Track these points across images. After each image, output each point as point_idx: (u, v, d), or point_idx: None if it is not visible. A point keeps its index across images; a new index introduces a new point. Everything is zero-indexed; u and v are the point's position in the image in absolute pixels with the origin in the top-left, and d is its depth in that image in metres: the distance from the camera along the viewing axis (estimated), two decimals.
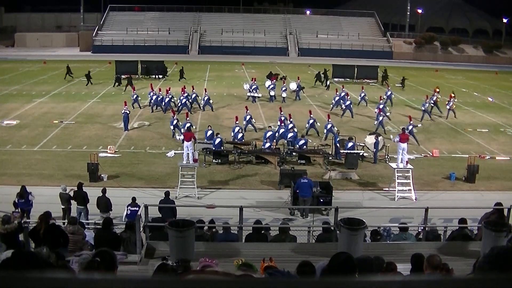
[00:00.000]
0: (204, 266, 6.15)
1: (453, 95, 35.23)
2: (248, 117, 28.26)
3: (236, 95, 39.50)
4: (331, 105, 34.88)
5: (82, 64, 56.19)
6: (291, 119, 26.78)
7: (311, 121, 28.08)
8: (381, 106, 31.60)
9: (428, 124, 31.78)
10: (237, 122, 26.11)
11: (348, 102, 33.26)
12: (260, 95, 37.56)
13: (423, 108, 33.03)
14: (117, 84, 41.90)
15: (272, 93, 37.69)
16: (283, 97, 37.37)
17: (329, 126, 26.35)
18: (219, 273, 3.91)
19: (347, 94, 34.78)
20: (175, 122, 27.02)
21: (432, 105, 33.75)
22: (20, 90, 40.46)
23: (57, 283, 1.25)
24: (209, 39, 75.05)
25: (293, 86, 39.25)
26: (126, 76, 42.25)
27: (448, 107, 33.59)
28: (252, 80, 38.84)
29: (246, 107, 30.32)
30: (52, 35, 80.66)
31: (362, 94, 36.73)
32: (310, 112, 29.43)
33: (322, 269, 5.02)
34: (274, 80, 39.38)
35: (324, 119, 30.38)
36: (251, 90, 37.50)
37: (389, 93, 35.92)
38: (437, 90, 37.80)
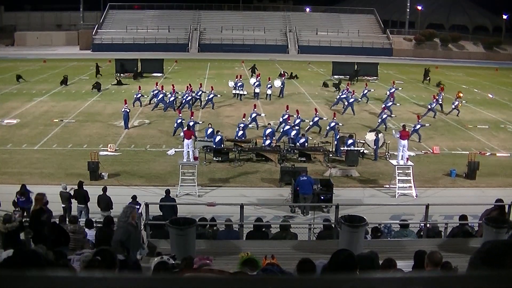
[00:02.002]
0: (202, 265, 6.15)
1: (461, 94, 35.28)
2: (254, 115, 28.33)
3: (267, 93, 39.33)
4: (333, 103, 34.91)
5: (82, 63, 56.21)
6: (298, 115, 26.89)
7: (316, 118, 28.03)
8: (388, 104, 31.72)
9: (429, 122, 31.80)
10: (243, 119, 26.27)
11: (351, 100, 33.26)
12: (245, 92, 37.31)
13: (429, 107, 32.87)
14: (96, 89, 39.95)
15: (257, 90, 37.41)
16: (268, 94, 37.14)
17: (332, 124, 26.04)
18: (214, 271, 3.92)
19: (348, 91, 34.77)
20: (179, 120, 27.01)
21: (435, 103, 33.56)
22: (20, 89, 40.44)
23: (58, 281, 1.25)
24: (208, 37, 74.96)
25: (277, 83, 39.12)
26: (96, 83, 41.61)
27: (453, 105, 33.43)
28: (237, 78, 38.50)
29: (254, 105, 30.46)
30: (52, 34, 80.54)
31: (365, 91, 36.62)
32: (316, 110, 29.38)
33: (322, 267, 5.02)
34: (259, 77, 39.11)
35: (326, 116, 30.35)
36: (236, 87, 37.22)
37: (392, 90, 35.76)
38: (443, 88, 37.79)
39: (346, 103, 33.53)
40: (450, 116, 33.17)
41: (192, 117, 25.62)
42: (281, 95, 38.63)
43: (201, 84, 36.16)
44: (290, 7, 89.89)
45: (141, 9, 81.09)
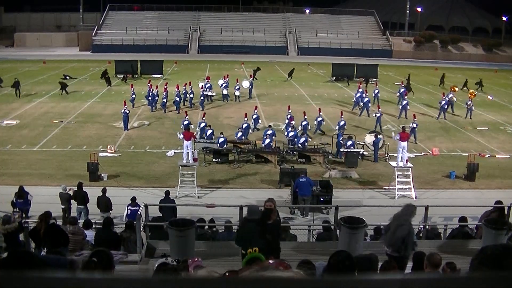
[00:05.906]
0: (196, 267, 6.14)
1: (474, 93, 35.38)
2: (255, 116, 28.35)
3: (235, 94, 39.43)
4: (353, 105, 34.91)
5: (82, 64, 56.22)
6: (305, 116, 27.14)
7: (319, 119, 28.17)
8: (403, 103, 32.15)
9: (428, 122, 31.83)
10: (246, 118, 26.54)
11: (366, 99, 33.42)
12: (214, 94, 36.95)
13: (440, 105, 33.15)
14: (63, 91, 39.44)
15: (225, 91, 37.06)
16: (237, 96, 36.86)
17: (341, 123, 26.64)
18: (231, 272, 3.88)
19: (361, 91, 34.85)
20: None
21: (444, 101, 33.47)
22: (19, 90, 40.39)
23: (56, 282, 1.24)
24: (208, 38, 75.00)
25: (245, 84, 38.96)
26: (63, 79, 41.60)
27: (466, 106, 33.44)
28: (206, 79, 38.14)
29: (256, 106, 30.46)
30: (52, 35, 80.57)
31: (376, 91, 36.50)
32: (319, 110, 29.41)
33: (322, 268, 5.02)
34: (227, 79, 38.65)
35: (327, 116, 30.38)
36: (205, 89, 36.57)
37: (376, 91, 36.29)
38: (455, 89, 37.81)
39: (361, 104, 33.61)
40: (450, 118, 33.17)
41: (186, 117, 26.08)
42: (250, 96, 38.51)
43: (190, 82, 36.18)
44: (290, 8, 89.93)
45: (140, 10, 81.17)
